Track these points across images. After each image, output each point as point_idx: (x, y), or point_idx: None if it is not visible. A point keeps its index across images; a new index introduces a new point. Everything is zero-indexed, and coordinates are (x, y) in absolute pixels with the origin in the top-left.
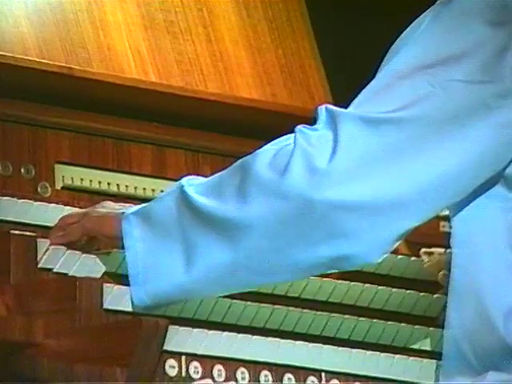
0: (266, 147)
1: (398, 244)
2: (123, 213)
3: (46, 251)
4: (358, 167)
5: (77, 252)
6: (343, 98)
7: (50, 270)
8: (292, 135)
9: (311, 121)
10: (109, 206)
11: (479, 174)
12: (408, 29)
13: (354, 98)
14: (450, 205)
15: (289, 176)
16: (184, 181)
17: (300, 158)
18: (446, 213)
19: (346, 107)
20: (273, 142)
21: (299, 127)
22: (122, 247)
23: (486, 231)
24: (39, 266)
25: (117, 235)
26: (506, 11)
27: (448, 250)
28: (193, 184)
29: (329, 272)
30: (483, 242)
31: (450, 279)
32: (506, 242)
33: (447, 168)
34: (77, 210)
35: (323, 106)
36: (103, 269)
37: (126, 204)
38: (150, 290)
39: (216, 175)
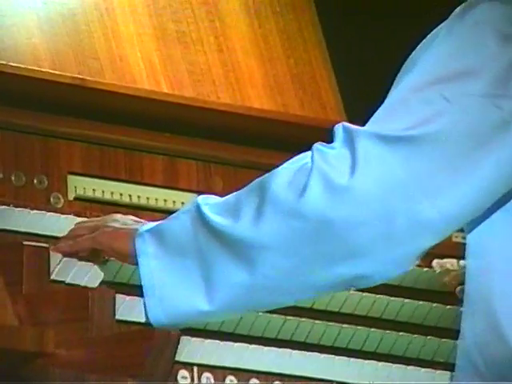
0: (283, 166)
1: (416, 262)
2: (136, 229)
3: (59, 263)
4: (376, 186)
5: (89, 263)
6: (355, 108)
7: (62, 282)
8: (308, 153)
9: (322, 131)
10: (120, 220)
11: (498, 189)
12: (422, 43)
13: (365, 108)
14: (469, 221)
15: (307, 196)
16: (200, 199)
17: (318, 178)
18: None
19: (357, 117)
20: (290, 161)
21: (316, 145)
22: (135, 263)
23: (499, 244)
24: (52, 277)
25: (130, 252)
26: None
27: (461, 262)
28: (209, 203)
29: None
30: (496, 254)
31: (464, 290)
32: None
33: (467, 186)
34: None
35: (340, 124)
36: (101, 277)
37: (137, 218)
38: (168, 309)
39: (232, 194)
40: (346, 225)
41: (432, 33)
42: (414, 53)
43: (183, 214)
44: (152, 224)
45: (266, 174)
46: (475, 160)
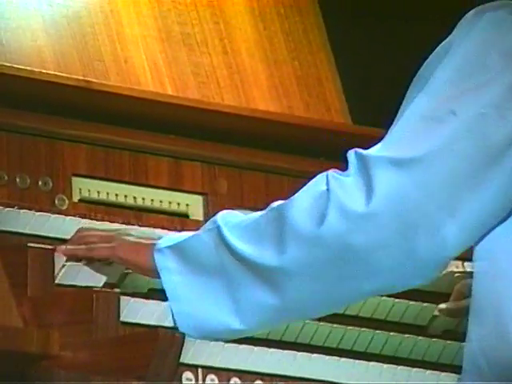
0: (299, 194)
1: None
2: (154, 244)
3: (64, 266)
4: (393, 210)
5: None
6: (359, 110)
7: (67, 285)
8: (322, 178)
9: (327, 133)
10: (134, 234)
11: (509, 201)
12: (432, 56)
13: (370, 110)
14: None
15: (326, 225)
16: (219, 219)
17: (335, 206)
18: None
19: (362, 119)
20: (305, 188)
21: (331, 173)
22: (157, 276)
23: (507, 248)
24: (56, 281)
25: (149, 266)
26: None
27: (466, 263)
28: (229, 224)
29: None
30: (504, 258)
31: (472, 293)
32: None
33: (482, 198)
34: (93, 222)
35: (352, 151)
36: (103, 279)
37: (151, 230)
38: (197, 325)
39: (251, 218)
40: (366, 249)
41: (441, 45)
42: (424, 66)
43: (204, 234)
44: (169, 238)
45: (284, 202)
46: (488, 172)
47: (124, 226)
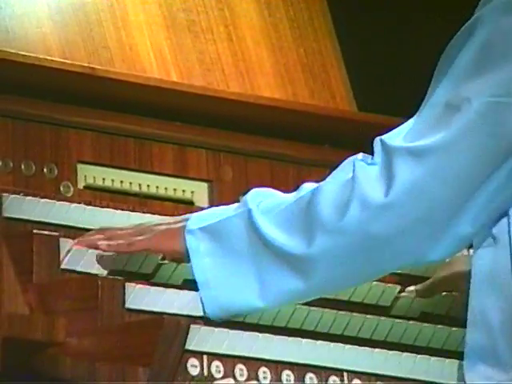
0: (328, 181)
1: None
2: (185, 226)
3: (68, 252)
4: (411, 197)
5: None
6: (365, 98)
7: (72, 271)
8: (349, 164)
9: (332, 120)
10: (162, 222)
11: None
12: (455, 39)
13: (375, 97)
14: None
15: (348, 215)
16: (250, 200)
17: (358, 197)
18: None
19: (367, 106)
20: (335, 173)
21: (358, 160)
22: (188, 261)
23: None
24: (62, 267)
25: (180, 249)
26: None
27: (471, 250)
28: (260, 209)
29: None
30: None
31: (474, 273)
32: None
33: (497, 187)
34: (98, 209)
35: (378, 139)
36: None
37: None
38: (223, 305)
39: (282, 204)
40: (387, 237)
41: (465, 27)
42: (450, 46)
43: (236, 217)
44: (199, 218)
45: (313, 188)
46: (502, 160)
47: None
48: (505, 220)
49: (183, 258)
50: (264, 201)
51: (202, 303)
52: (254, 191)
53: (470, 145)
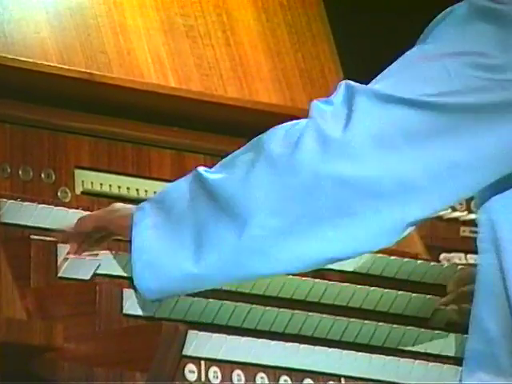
0: (281, 125)
1: (406, 234)
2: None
3: (66, 260)
4: (370, 143)
5: (97, 258)
6: None
7: (70, 279)
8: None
9: None
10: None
11: (498, 169)
12: (441, 14)
13: None
14: (463, 197)
15: (300, 150)
16: (199, 167)
17: (312, 132)
18: (467, 218)
19: None
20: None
21: (314, 101)
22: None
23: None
24: (59, 274)
25: (129, 225)
26: None
27: (469, 256)
28: (208, 169)
29: (334, 263)
30: (509, 249)
31: (476, 279)
32: None
33: (464, 158)
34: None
35: (343, 82)
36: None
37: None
38: (156, 273)
39: (232, 153)
40: (335, 182)
41: (451, 7)
42: (430, 25)
43: (182, 181)
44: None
45: (265, 132)
46: (473, 132)
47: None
48: (489, 228)
49: (129, 233)
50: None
51: (135, 274)
52: None
53: (445, 113)
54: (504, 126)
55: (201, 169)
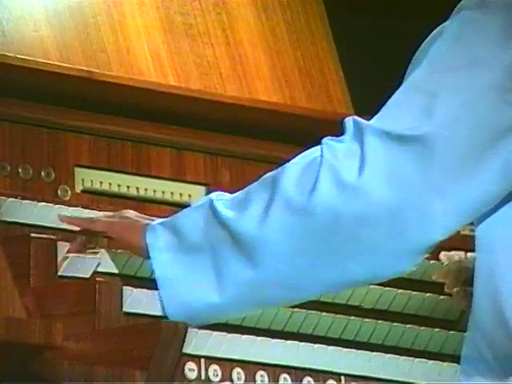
0: (293, 161)
1: (427, 255)
2: (148, 223)
3: (66, 259)
4: (386, 184)
5: (97, 256)
6: (362, 101)
7: (70, 277)
8: (318, 147)
9: (330, 124)
10: (134, 215)
11: (506, 185)
12: (429, 36)
13: (372, 101)
14: (477, 216)
15: (317, 192)
16: (213, 195)
17: (328, 173)
18: None
19: (364, 110)
20: (300, 156)
21: (326, 140)
22: (147, 257)
23: (504, 239)
24: (59, 273)
25: (141, 245)
26: None
27: (469, 254)
28: (222, 199)
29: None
30: (504, 250)
31: (474, 282)
32: None
33: (476, 182)
34: (95, 213)
35: (350, 118)
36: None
37: (149, 216)
38: (183, 302)
39: (245, 189)
40: (356, 222)
41: (440, 26)
42: (421, 46)
43: (195, 210)
44: (164, 219)
45: (277, 169)
46: (483, 157)
47: (128, 211)
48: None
49: (142, 253)
50: (226, 196)
51: (162, 301)
52: (218, 192)
53: (453, 136)
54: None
55: (215, 198)
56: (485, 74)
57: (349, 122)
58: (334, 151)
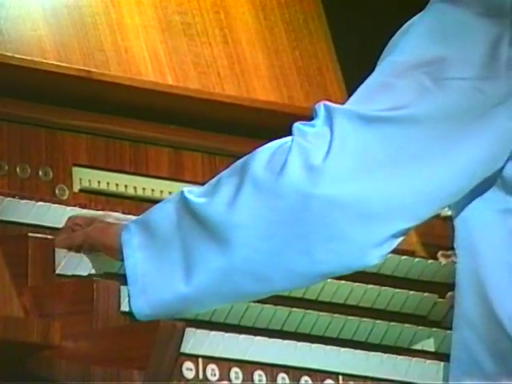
0: (264, 146)
1: (396, 244)
2: (124, 224)
3: (63, 258)
4: (354, 165)
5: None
6: None
7: (67, 276)
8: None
9: None
10: (114, 217)
11: (476, 174)
12: (404, 26)
13: None
14: (446, 205)
15: (286, 174)
16: (185, 188)
17: (297, 156)
18: None
19: None
20: (272, 142)
21: (296, 124)
22: (122, 259)
23: (485, 234)
24: (57, 272)
25: (117, 246)
26: (495, 3)
27: None
28: (194, 190)
29: (327, 278)
30: (484, 245)
31: (456, 281)
32: (506, 245)
33: (444, 170)
34: (93, 212)
35: (321, 103)
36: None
37: (131, 216)
38: (150, 299)
39: (216, 176)
40: (323, 205)
41: (414, 17)
42: (396, 35)
43: (167, 203)
44: (139, 216)
45: (248, 154)
46: (454, 144)
47: (108, 212)
48: (464, 232)
49: (116, 255)
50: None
51: (129, 298)
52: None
53: (425, 124)
54: (482, 127)
55: (186, 190)
56: (459, 66)
57: (319, 106)
58: (305, 134)
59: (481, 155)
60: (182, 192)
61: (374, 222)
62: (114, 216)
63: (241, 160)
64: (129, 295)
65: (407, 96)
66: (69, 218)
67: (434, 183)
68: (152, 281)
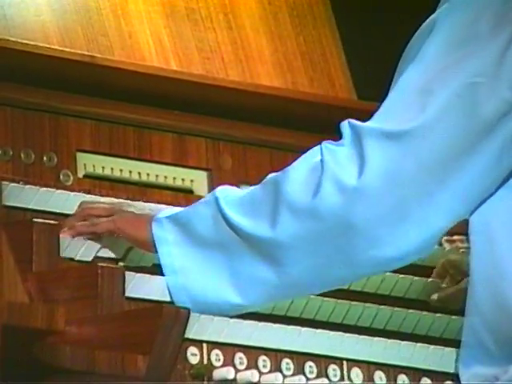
0: (294, 166)
1: (437, 241)
2: (154, 216)
3: (68, 243)
4: (385, 182)
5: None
6: (364, 86)
7: (72, 259)
8: (317, 149)
9: (332, 108)
10: (137, 207)
11: (502, 171)
12: (419, 30)
13: (374, 85)
14: (479, 201)
15: (320, 197)
16: (218, 191)
17: (330, 178)
18: None
19: (367, 94)
20: (300, 160)
21: (325, 144)
22: (154, 251)
23: (502, 220)
24: (61, 255)
25: (148, 239)
26: (505, 12)
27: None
28: (227, 198)
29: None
30: (500, 232)
31: (470, 267)
32: None
33: (474, 172)
34: (97, 198)
35: (346, 122)
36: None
37: (153, 205)
38: (194, 297)
39: (248, 191)
40: (363, 222)
41: (429, 19)
42: (412, 40)
43: (202, 206)
44: (169, 211)
45: (279, 173)
46: (479, 143)
47: (126, 201)
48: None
49: (148, 247)
50: (232, 193)
51: (169, 290)
52: (222, 187)
53: (447, 128)
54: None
55: (221, 199)
56: (477, 64)
57: (345, 126)
58: (335, 155)
59: (503, 151)
60: (217, 198)
61: (415, 227)
62: (134, 204)
63: (272, 177)
64: (168, 285)
65: (425, 105)
66: (81, 203)
67: (466, 187)
68: (194, 279)
